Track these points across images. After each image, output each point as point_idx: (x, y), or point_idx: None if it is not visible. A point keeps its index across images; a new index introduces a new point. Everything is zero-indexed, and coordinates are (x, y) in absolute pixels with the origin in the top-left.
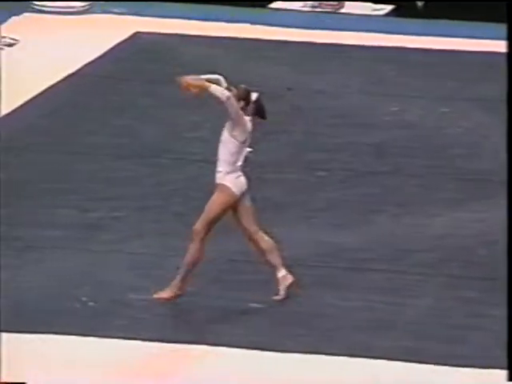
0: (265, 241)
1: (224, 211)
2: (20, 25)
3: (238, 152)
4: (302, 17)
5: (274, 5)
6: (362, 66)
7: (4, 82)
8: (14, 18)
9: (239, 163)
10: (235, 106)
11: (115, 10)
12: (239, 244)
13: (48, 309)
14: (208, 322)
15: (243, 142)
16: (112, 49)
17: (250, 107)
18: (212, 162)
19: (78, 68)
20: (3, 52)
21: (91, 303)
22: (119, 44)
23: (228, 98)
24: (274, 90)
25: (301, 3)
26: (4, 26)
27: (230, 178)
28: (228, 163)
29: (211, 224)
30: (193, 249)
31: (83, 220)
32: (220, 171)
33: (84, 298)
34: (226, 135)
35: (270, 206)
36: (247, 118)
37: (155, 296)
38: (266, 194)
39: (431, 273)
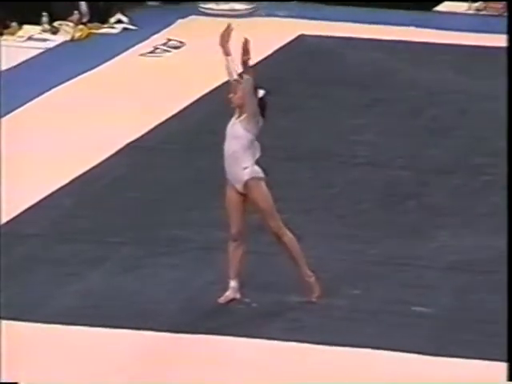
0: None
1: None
2: (186, 27)
3: (253, 145)
4: (467, 20)
5: (438, 8)
6: None
7: (170, 83)
8: (180, 20)
9: (257, 155)
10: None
11: (279, 13)
12: (401, 247)
13: (213, 309)
14: (371, 325)
15: (255, 135)
16: (276, 51)
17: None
18: (378, 166)
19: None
20: (170, 54)
21: (254, 304)
22: (284, 46)
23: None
24: (440, 93)
25: (466, 6)
26: (171, 28)
27: (256, 169)
28: (250, 156)
29: (276, 213)
30: (289, 241)
31: (246, 222)
32: (247, 167)
33: (247, 299)
34: (239, 130)
35: (434, 211)
36: None
37: (313, 299)
38: (430, 199)
39: None
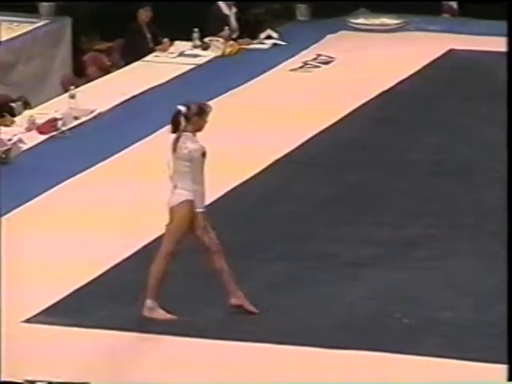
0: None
1: None
2: (336, 42)
3: None
4: None
5: None
6: None
7: (321, 98)
8: (329, 35)
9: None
10: None
11: (430, 28)
12: None
13: (365, 324)
14: None
15: None
16: (426, 66)
17: None
18: None
19: (392, 85)
20: (320, 69)
21: (406, 320)
22: (433, 61)
23: None
24: None
25: None
26: (321, 43)
27: None
28: None
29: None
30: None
31: (397, 237)
32: None
33: (398, 315)
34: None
35: None
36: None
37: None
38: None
39: None
